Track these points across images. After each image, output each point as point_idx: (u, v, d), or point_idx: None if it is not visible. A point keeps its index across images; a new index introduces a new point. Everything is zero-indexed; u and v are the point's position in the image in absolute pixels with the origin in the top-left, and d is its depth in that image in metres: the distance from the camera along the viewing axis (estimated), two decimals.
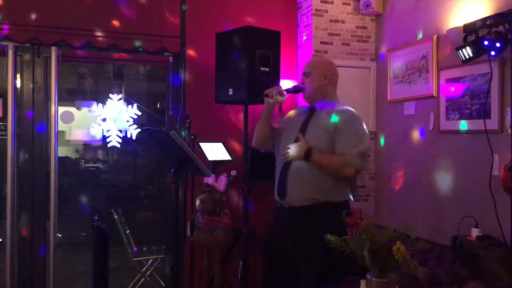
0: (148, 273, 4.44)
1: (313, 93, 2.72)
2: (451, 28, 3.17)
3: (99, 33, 3.80)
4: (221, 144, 3.56)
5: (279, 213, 2.74)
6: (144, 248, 4.71)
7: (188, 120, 3.64)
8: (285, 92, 2.72)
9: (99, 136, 4.41)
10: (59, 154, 4.00)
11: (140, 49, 3.92)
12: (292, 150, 2.57)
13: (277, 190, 2.69)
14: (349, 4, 4.24)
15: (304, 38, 4.28)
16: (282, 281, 2.70)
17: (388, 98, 4.05)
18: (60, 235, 4.27)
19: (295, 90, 2.79)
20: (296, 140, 2.63)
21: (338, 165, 2.55)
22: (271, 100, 2.68)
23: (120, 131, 4.23)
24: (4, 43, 3.67)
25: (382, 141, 4.19)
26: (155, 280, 4.50)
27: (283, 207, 2.68)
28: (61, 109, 5.76)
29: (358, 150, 2.57)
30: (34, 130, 3.77)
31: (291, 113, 2.95)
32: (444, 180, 3.39)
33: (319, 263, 2.52)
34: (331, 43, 4.19)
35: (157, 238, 4.80)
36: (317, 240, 2.41)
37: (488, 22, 2.76)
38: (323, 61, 2.92)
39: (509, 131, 2.81)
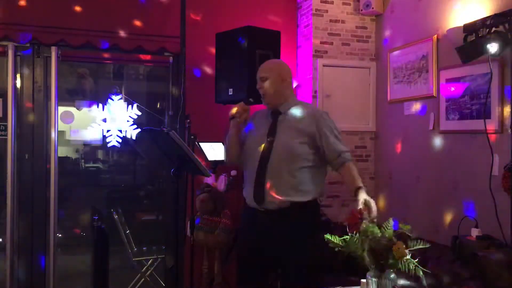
0: (148, 273, 4.44)
1: (273, 97, 2.67)
2: (451, 28, 3.17)
3: (99, 33, 3.80)
4: (221, 144, 3.56)
5: (252, 215, 2.68)
6: (144, 248, 4.71)
7: (188, 120, 3.64)
8: (248, 106, 2.69)
9: (99, 136, 4.41)
10: (59, 154, 4.00)
11: (140, 49, 3.92)
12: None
13: (254, 195, 2.63)
14: (349, 4, 4.24)
15: (304, 38, 4.28)
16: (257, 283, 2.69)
17: (388, 98, 4.05)
18: (60, 235, 4.27)
19: (256, 100, 2.74)
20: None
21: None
22: (239, 119, 2.66)
23: (120, 131, 4.23)
24: (4, 43, 3.67)
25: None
26: (155, 280, 4.50)
27: (258, 210, 2.64)
28: (61, 109, 5.75)
29: (346, 147, 2.69)
30: (34, 130, 3.77)
31: (252, 118, 2.83)
32: (444, 180, 3.39)
33: (301, 262, 2.54)
34: (331, 43, 4.19)
35: (157, 238, 4.80)
36: (298, 240, 2.52)
37: (488, 22, 2.76)
38: (277, 63, 2.82)
39: (509, 131, 2.81)
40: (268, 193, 2.57)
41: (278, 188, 2.56)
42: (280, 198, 2.55)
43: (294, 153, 2.57)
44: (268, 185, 2.58)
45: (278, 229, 2.57)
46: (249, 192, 2.66)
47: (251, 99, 2.71)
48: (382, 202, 4.19)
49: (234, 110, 2.64)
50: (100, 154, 7.60)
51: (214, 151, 3.55)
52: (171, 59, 4.07)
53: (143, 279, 4.42)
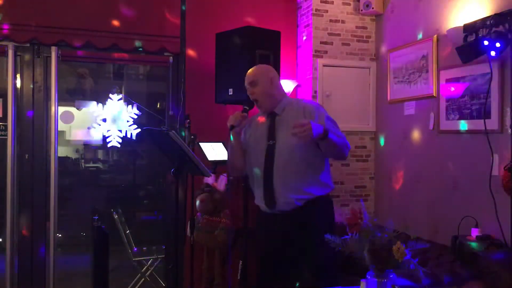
0: (148, 273, 4.44)
1: (266, 102, 2.67)
2: (451, 28, 3.17)
3: (99, 33, 3.80)
4: (221, 144, 3.56)
5: (267, 220, 2.68)
6: (144, 248, 4.71)
7: (188, 120, 3.64)
8: (246, 114, 2.67)
9: (99, 136, 4.41)
10: (59, 154, 4.00)
11: (140, 49, 3.92)
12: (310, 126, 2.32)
13: (264, 200, 2.63)
14: (349, 4, 4.24)
15: (304, 38, 4.28)
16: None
17: (388, 98, 4.05)
18: (60, 235, 4.27)
19: (250, 106, 2.73)
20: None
21: (343, 144, 2.52)
22: (239, 128, 2.64)
23: (120, 131, 4.23)
24: (4, 43, 3.67)
25: (382, 141, 4.18)
26: (155, 280, 4.51)
27: (272, 214, 2.64)
28: (61, 109, 5.76)
29: (342, 133, 2.62)
30: (34, 130, 3.77)
31: (250, 124, 2.81)
32: (444, 180, 3.39)
33: (321, 259, 2.53)
34: (331, 43, 4.19)
35: (157, 238, 4.80)
36: (318, 237, 2.42)
37: (488, 22, 2.76)
38: (263, 67, 2.82)
39: (509, 131, 2.82)
40: (279, 196, 2.57)
41: (287, 190, 2.55)
42: (291, 199, 2.54)
43: (297, 153, 2.55)
44: (277, 188, 2.57)
45: (295, 229, 2.56)
46: (260, 197, 2.65)
47: (246, 107, 2.70)
48: (382, 202, 4.20)
49: (233, 119, 2.61)
50: (100, 154, 7.61)
51: (214, 151, 3.55)
52: (171, 59, 4.08)
53: (143, 279, 4.42)
